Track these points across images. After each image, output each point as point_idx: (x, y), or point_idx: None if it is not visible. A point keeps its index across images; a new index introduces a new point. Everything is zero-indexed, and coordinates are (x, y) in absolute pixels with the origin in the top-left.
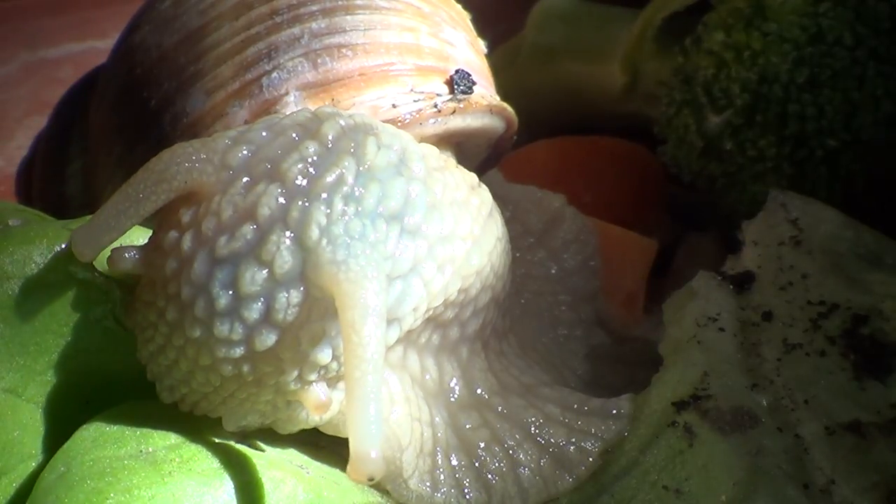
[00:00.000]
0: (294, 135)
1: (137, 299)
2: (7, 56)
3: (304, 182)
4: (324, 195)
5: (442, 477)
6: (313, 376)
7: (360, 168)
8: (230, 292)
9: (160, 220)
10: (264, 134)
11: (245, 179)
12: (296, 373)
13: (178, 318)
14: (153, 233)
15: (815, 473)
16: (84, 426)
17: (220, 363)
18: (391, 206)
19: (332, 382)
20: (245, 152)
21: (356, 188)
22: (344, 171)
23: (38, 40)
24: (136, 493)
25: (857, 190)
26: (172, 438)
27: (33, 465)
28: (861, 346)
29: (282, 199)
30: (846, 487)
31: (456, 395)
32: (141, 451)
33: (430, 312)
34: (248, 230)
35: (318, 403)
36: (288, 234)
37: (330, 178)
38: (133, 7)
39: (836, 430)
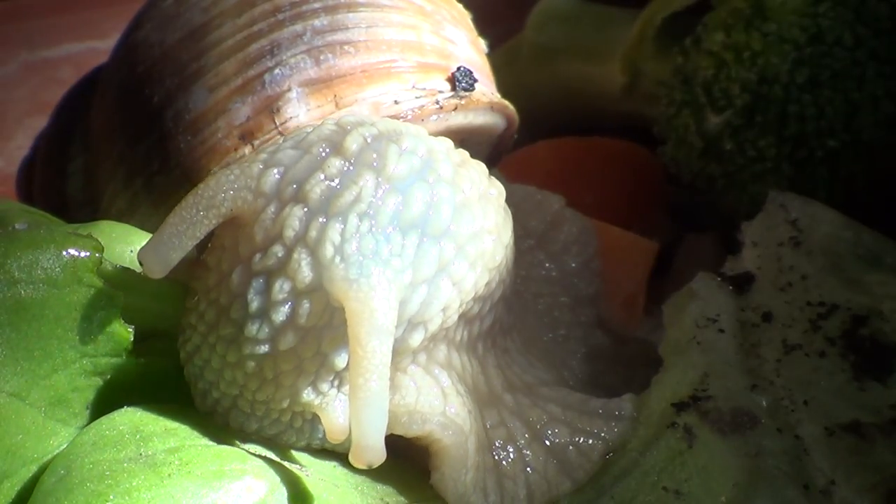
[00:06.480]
0: (320, 150)
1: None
2: (7, 56)
3: (324, 201)
4: (340, 213)
5: (476, 476)
6: (326, 386)
7: (380, 180)
8: (262, 297)
9: (208, 241)
10: (292, 153)
11: (275, 205)
12: (312, 377)
13: (215, 320)
14: (200, 254)
15: (815, 474)
16: (83, 430)
17: (245, 359)
18: (411, 215)
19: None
20: (276, 175)
21: (374, 202)
22: (362, 187)
23: (38, 40)
24: (135, 495)
25: (857, 190)
26: (172, 441)
27: (35, 469)
28: (860, 347)
29: (304, 220)
30: (846, 488)
31: (479, 392)
32: (140, 454)
33: (463, 308)
34: (278, 249)
35: (336, 426)
36: (307, 251)
37: (348, 197)
38: (133, 7)
39: (836, 431)
